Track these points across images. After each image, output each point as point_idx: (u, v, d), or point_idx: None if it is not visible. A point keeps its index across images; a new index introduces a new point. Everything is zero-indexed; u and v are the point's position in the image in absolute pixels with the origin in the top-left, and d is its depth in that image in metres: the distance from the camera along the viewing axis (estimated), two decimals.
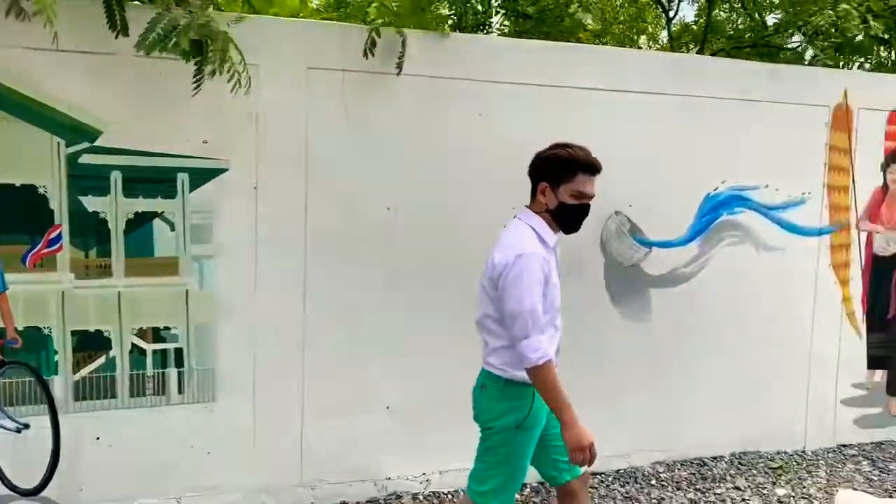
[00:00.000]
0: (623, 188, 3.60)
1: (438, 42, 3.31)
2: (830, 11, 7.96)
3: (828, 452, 4.09)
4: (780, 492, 3.60)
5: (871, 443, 4.21)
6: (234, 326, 3.09)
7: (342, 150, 3.17)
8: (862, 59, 12.53)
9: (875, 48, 12.38)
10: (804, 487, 3.66)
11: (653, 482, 3.64)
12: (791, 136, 3.84)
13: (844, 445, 4.17)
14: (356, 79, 3.16)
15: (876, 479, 3.80)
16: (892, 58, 14.91)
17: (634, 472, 3.73)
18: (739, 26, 12.02)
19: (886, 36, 9.51)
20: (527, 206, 2.29)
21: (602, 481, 3.63)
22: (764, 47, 11.11)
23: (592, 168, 2.21)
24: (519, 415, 2.20)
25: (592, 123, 3.53)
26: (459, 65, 3.33)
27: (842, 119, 3.95)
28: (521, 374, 2.14)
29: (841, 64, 10.04)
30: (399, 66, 3.18)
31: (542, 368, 2.07)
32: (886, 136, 4.07)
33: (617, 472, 3.72)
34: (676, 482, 3.65)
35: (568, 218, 2.25)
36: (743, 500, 3.50)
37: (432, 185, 3.31)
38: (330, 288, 3.19)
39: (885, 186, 4.11)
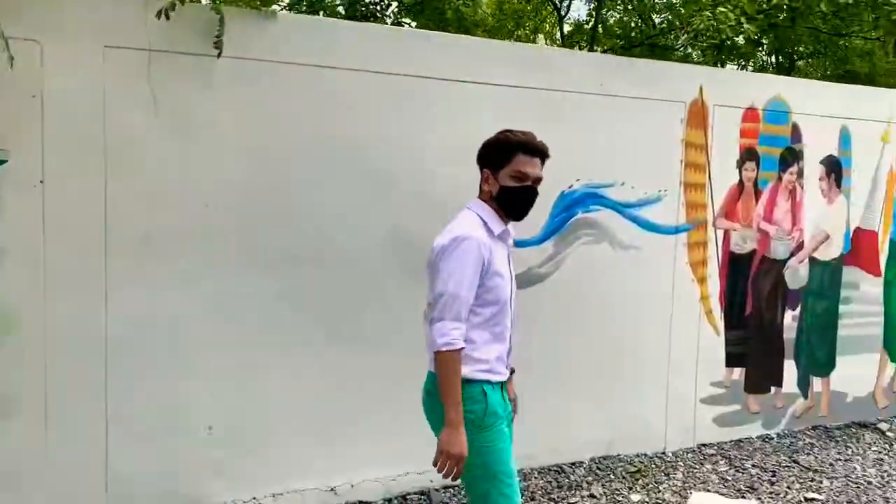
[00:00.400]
0: (474, 185, 3.42)
1: (264, 22, 3.00)
2: (709, 13, 8.17)
3: (687, 453, 4.05)
4: (635, 497, 3.50)
5: (731, 441, 4.21)
6: (19, 339, 2.68)
7: (150, 139, 2.82)
8: (743, 62, 13.06)
9: (755, 51, 12.96)
10: (659, 492, 3.58)
11: None
12: (647, 132, 3.77)
13: (704, 445, 4.14)
14: (166, 60, 2.82)
15: (730, 479, 3.77)
16: (773, 61, 15.61)
17: None
18: (631, 26, 12.34)
19: (762, 39, 9.93)
20: (478, 197, 2.21)
21: (455, 495, 3.43)
22: (652, 48, 11.41)
23: (533, 148, 2.13)
24: (470, 415, 2.03)
25: (438, 115, 3.33)
26: (291, 48, 3.04)
27: (698, 115, 3.91)
28: (466, 370, 2.03)
29: (720, 65, 10.39)
30: (217, 46, 2.86)
31: (446, 356, 1.97)
32: (741, 134, 4.07)
33: None
34: (531, 492, 3.49)
35: (511, 202, 2.16)
36: None
37: (257, 179, 3.01)
38: (136, 294, 2.83)
39: (741, 184, 4.11)
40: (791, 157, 4.24)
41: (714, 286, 4.10)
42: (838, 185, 4.42)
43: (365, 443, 3.30)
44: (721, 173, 4.04)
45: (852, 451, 4.22)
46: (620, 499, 3.49)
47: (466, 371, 2.04)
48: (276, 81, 3.02)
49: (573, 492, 3.53)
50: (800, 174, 4.28)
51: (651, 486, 3.64)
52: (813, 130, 4.27)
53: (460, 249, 2.00)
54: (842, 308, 4.55)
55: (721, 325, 4.15)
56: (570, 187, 3.63)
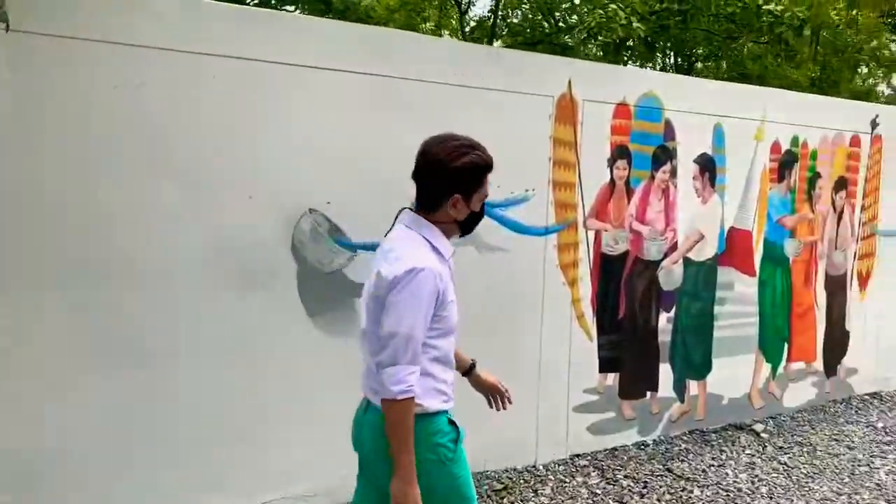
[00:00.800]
0: (319, 182, 3.09)
1: None
2: (601, 11, 8.11)
3: (559, 465, 3.86)
4: None
5: (605, 450, 4.06)
6: None
7: None
8: (640, 63, 13.25)
9: (654, 52, 13.15)
10: None
11: None
12: (513, 127, 3.54)
13: (577, 456, 3.97)
14: None
15: (600, 492, 3.60)
16: (672, 63, 15.92)
17: None
18: (535, 21, 12.28)
19: (656, 40, 10.04)
20: (414, 211, 1.97)
21: None
22: (553, 46, 11.36)
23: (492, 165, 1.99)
24: (444, 449, 1.95)
25: (271, 104, 2.98)
26: (93, 23, 2.62)
27: (566, 111, 3.72)
28: (435, 402, 1.93)
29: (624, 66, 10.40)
30: (2, 19, 2.42)
31: (401, 405, 1.79)
32: (612, 130, 3.90)
33: None
34: None
35: (471, 224, 2.04)
36: None
37: (44, 170, 2.57)
38: None
39: (612, 183, 3.95)
40: (664, 155, 4.12)
41: (586, 289, 3.92)
42: (712, 184, 4.34)
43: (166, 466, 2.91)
44: (591, 172, 3.86)
45: (727, 456, 4.14)
46: None
47: (433, 404, 1.93)
48: (72, 62, 2.59)
49: None
50: (673, 173, 4.17)
51: (517, 503, 3.42)
52: (686, 128, 4.16)
53: (415, 283, 1.80)
54: (717, 309, 4.48)
55: (593, 329, 3.98)
56: None
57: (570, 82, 3.70)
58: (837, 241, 5.05)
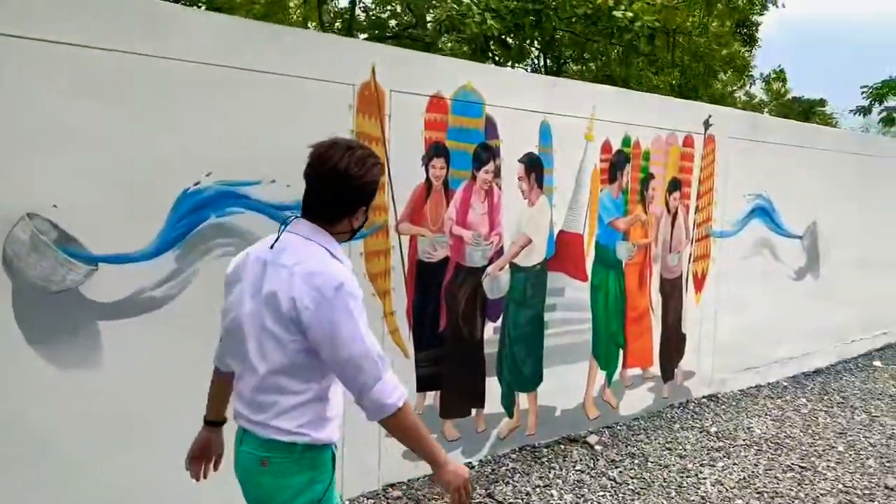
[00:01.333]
0: (41, 180, 2.51)
1: None
2: (455, 6, 7.80)
3: (368, 499, 3.46)
4: None
5: (421, 477, 3.69)
6: None
7: None
8: (505, 61, 13.19)
9: (521, 52, 13.14)
10: None
11: None
12: (306, 118, 3.09)
13: (391, 486, 3.59)
14: None
15: None
16: (542, 64, 16.08)
17: None
18: (395, 13, 11.89)
19: (511, 38, 9.90)
20: (306, 220, 1.82)
21: None
22: (413, 40, 11.04)
23: None
24: (321, 485, 1.82)
25: None
26: None
27: (371, 102, 3.31)
28: (322, 434, 1.78)
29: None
30: None
31: (404, 410, 1.74)
32: (427, 126, 3.54)
33: None
34: None
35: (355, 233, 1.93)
36: None
37: None
38: None
39: (429, 183, 3.59)
40: (486, 153, 3.81)
41: (400, 301, 3.54)
42: (539, 185, 4.08)
43: None
44: (404, 171, 3.48)
45: (555, 474, 3.89)
46: None
47: (324, 435, 1.79)
48: None
49: None
50: (497, 173, 3.87)
51: None
52: (510, 125, 3.88)
53: (346, 297, 1.68)
54: (547, 316, 4.24)
55: (410, 344, 3.61)
56: (196, 185, 2.84)
57: (373, 69, 3.30)
58: (672, 244, 4.98)
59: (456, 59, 4.40)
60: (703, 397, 5.36)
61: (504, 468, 3.91)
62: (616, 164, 4.49)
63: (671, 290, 5.04)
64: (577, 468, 4.00)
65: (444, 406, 3.79)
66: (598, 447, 4.31)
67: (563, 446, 4.29)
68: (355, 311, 1.68)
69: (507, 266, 3.98)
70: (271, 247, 1.78)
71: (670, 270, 5.00)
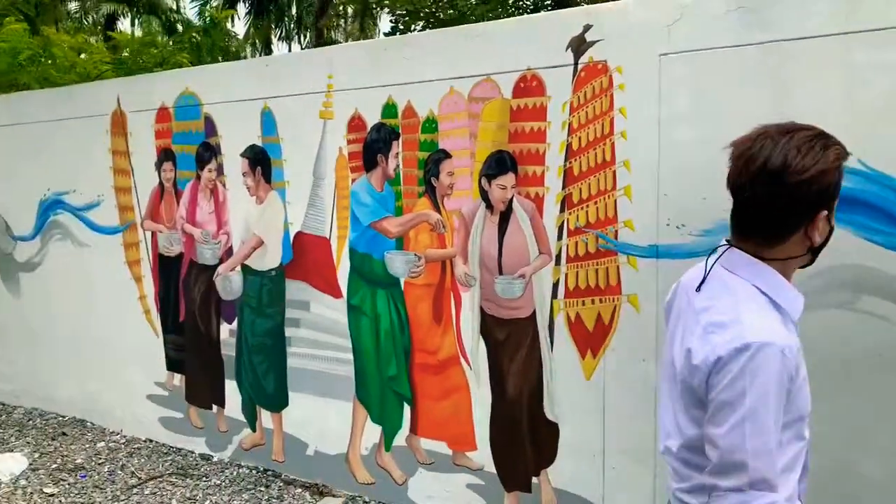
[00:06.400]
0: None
1: None
2: None
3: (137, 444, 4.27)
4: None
5: (178, 447, 4.12)
6: None
7: None
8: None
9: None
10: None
11: None
12: (86, 145, 4.31)
13: (155, 442, 4.23)
14: None
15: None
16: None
17: None
18: None
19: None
20: (738, 247, 1.39)
21: None
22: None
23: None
24: None
25: None
26: None
27: (118, 124, 4.16)
28: None
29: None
30: None
31: None
32: (157, 135, 4.00)
33: None
34: None
35: (824, 245, 1.38)
36: None
37: None
38: None
39: (162, 185, 4.02)
40: (207, 152, 3.81)
41: (149, 287, 4.16)
42: (267, 180, 3.61)
43: None
44: (144, 176, 4.09)
45: None
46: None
47: None
48: None
49: None
50: (220, 171, 3.78)
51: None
52: (228, 119, 3.71)
53: (754, 369, 1.22)
54: (290, 332, 3.63)
55: (159, 326, 4.14)
56: (45, 196, 4.61)
57: (118, 99, 4.13)
58: (502, 261, 2.97)
59: (177, 70, 4.17)
60: None
61: (245, 481, 3.73)
62: (373, 143, 3.24)
63: (509, 339, 3.00)
64: None
65: (188, 391, 4.07)
66: None
67: (305, 492, 3.56)
68: (754, 394, 1.21)
69: (240, 268, 3.77)
70: (699, 286, 1.41)
71: (503, 305, 2.99)
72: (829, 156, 1.29)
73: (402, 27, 8.82)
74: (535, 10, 9.12)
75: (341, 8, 17.27)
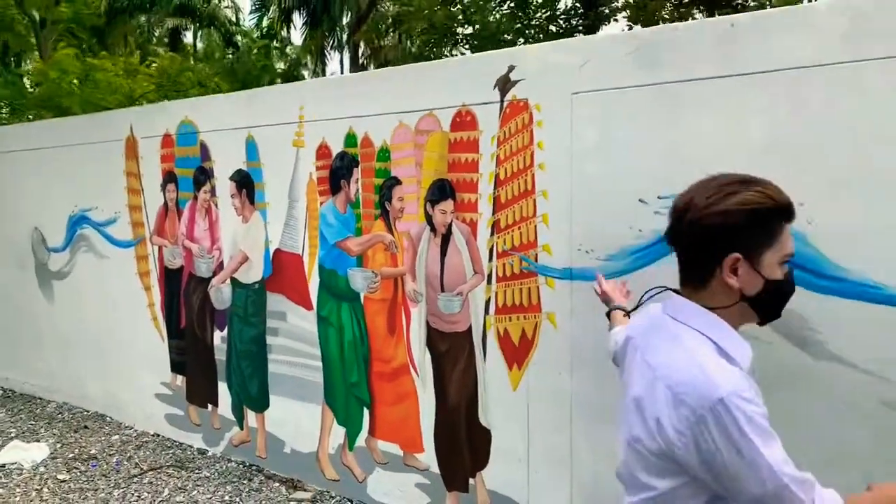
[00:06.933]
0: (34, 212, 5.47)
1: None
2: None
3: (143, 437, 4.72)
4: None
5: (180, 443, 4.54)
6: None
7: None
8: None
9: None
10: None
11: None
12: (105, 168, 4.79)
13: (161, 438, 4.66)
14: None
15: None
16: None
17: None
18: None
19: None
20: (680, 294, 1.43)
21: None
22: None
23: (792, 208, 1.36)
24: None
25: None
26: None
27: (131, 149, 4.62)
28: None
29: None
30: None
31: None
32: (162, 159, 4.43)
33: None
34: None
35: (772, 300, 1.38)
36: None
37: None
38: None
39: (166, 204, 4.45)
40: (202, 175, 4.21)
41: (157, 295, 4.60)
42: (252, 201, 3.98)
43: None
44: (152, 196, 4.53)
45: (240, 502, 3.87)
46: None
47: None
48: None
49: None
50: (213, 192, 4.17)
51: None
52: (220, 145, 4.10)
53: (730, 417, 1.21)
54: (270, 340, 3.98)
55: (164, 331, 4.58)
56: (73, 212, 5.13)
57: (131, 126, 4.59)
58: (444, 279, 3.25)
59: (181, 100, 4.49)
60: None
61: (232, 475, 4.11)
62: (338, 170, 3.57)
63: (450, 351, 3.27)
64: None
65: (187, 391, 4.48)
66: (311, 502, 3.71)
67: (281, 486, 3.92)
68: (750, 431, 1.20)
69: (229, 280, 4.15)
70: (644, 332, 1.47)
71: (445, 320, 3.27)
72: (735, 199, 1.31)
73: (428, 50, 9.11)
74: (548, 24, 9.24)
75: (380, 24, 17.71)
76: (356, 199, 3.53)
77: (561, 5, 10.24)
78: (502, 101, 2.98)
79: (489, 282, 3.11)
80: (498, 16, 9.60)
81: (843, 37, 2.23)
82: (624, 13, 10.05)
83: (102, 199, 4.87)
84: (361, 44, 22.58)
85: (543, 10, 10.05)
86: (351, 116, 3.49)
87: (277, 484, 3.94)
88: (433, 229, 3.26)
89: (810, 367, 2.34)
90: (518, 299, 3.03)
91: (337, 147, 3.57)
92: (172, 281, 4.52)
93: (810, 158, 2.30)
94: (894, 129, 2.17)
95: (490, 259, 3.10)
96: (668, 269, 2.50)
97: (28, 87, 7.53)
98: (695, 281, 1.41)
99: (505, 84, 2.97)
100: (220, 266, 4.21)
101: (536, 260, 2.94)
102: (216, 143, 4.12)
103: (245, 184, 4.00)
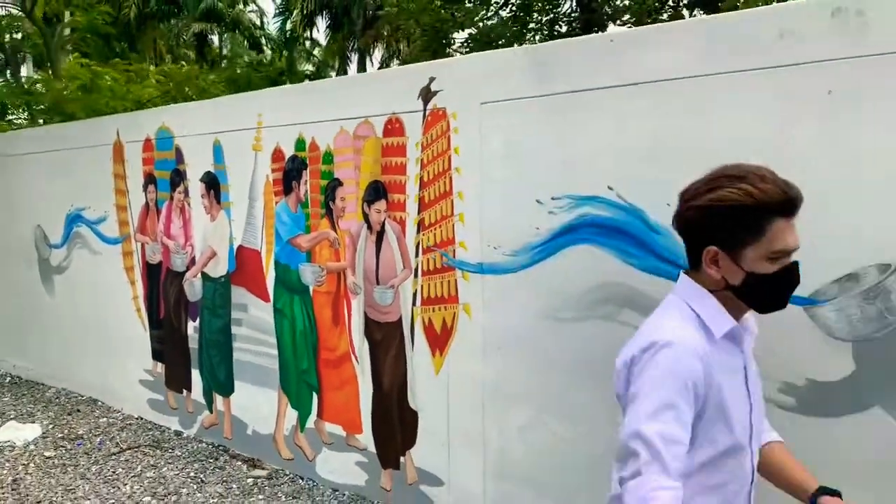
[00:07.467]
0: (36, 212, 5.89)
1: None
2: None
3: (128, 419, 5.09)
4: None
5: (157, 425, 4.89)
6: None
7: None
8: None
9: None
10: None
11: None
12: (97, 170, 5.18)
13: (140, 417, 5.02)
14: None
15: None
16: None
17: None
18: None
19: None
20: (688, 274, 1.50)
21: None
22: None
23: (791, 204, 1.35)
24: None
25: None
26: None
27: (118, 152, 4.98)
28: None
29: None
30: None
31: None
32: (144, 162, 4.79)
33: None
34: None
35: (758, 292, 1.40)
36: None
37: None
38: None
39: (147, 204, 4.80)
40: (177, 177, 4.55)
41: (140, 289, 4.95)
42: (218, 201, 4.31)
43: None
44: (136, 196, 4.89)
45: (222, 485, 4.13)
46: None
47: None
48: None
49: None
50: (186, 193, 4.51)
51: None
52: (192, 149, 4.43)
53: (657, 361, 1.32)
54: (235, 329, 4.30)
55: (146, 321, 4.93)
56: (70, 210, 5.52)
57: (118, 131, 4.96)
58: (379, 273, 3.52)
59: (158, 108, 4.82)
60: None
61: (202, 455, 4.44)
62: (290, 172, 3.87)
63: (384, 339, 3.54)
64: (217, 488, 4.09)
65: (166, 377, 4.83)
66: (267, 479, 4.02)
67: (238, 463, 4.23)
68: (655, 380, 1.30)
69: (200, 274, 4.48)
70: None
71: (380, 310, 3.54)
72: (712, 195, 1.37)
73: (420, 53, 9.39)
74: (552, 28, 9.43)
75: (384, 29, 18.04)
76: (305, 199, 3.83)
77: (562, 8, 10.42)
78: (425, 110, 3.25)
79: (416, 275, 3.38)
80: (494, 20, 9.83)
81: (699, 52, 2.45)
82: (627, 16, 10.21)
83: (94, 198, 5.25)
84: (380, 46, 23.02)
85: (545, 14, 10.24)
86: (301, 123, 3.79)
87: (240, 463, 4.26)
88: (370, 227, 3.54)
89: None
90: (439, 291, 3.29)
91: (289, 151, 3.87)
92: (153, 275, 4.88)
93: (678, 161, 2.52)
94: (741, 134, 2.38)
95: (417, 255, 3.37)
96: (563, 262, 2.79)
97: (42, 92, 8.02)
98: (690, 264, 1.51)
99: (427, 94, 3.23)
100: (193, 261, 4.54)
101: (454, 255, 3.20)
102: (189, 147, 4.46)
103: (212, 185, 4.32)
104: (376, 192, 3.49)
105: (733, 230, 1.36)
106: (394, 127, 3.38)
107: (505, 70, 2.96)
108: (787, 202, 1.34)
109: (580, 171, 2.79)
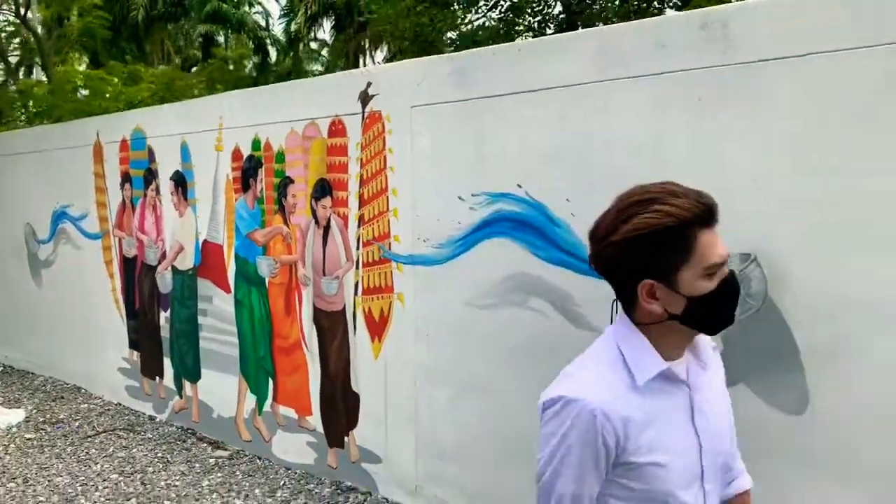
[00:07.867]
0: (34, 210, 6.19)
1: None
2: None
3: (109, 406, 5.37)
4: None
5: (135, 410, 5.17)
6: None
7: None
8: None
9: None
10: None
11: None
12: (80, 169, 5.46)
13: (123, 406, 5.31)
14: None
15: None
16: None
17: None
18: None
19: None
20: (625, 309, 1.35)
21: None
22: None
23: (710, 213, 1.25)
24: None
25: None
26: None
27: (98, 152, 5.27)
28: None
29: None
30: None
31: None
32: (120, 162, 5.06)
33: None
34: None
35: (704, 312, 1.28)
36: None
37: None
38: None
39: (124, 201, 5.08)
40: (150, 176, 4.82)
41: (118, 281, 5.23)
42: (185, 198, 4.57)
43: None
44: (115, 194, 5.17)
45: (186, 464, 4.42)
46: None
47: None
48: None
49: None
50: (157, 190, 4.78)
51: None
52: (162, 150, 4.70)
53: (559, 420, 1.26)
54: (201, 319, 4.56)
55: (124, 313, 5.21)
56: (55, 208, 5.81)
57: (97, 133, 5.24)
58: (325, 265, 3.77)
59: (132, 111, 5.09)
60: (392, 501, 3.53)
61: (172, 438, 4.72)
62: (247, 171, 4.12)
63: (330, 327, 3.79)
64: (196, 468, 4.34)
65: (141, 365, 5.10)
66: (228, 459, 4.28)
67: (205, 445, 4.49)
68: (557, 438, 1.25)
69: (170, 267, 4.75)
70: None
71: (326, 300, 3.79)
72: (629, 225, 1.23)
73: (401, 56, 9.61)
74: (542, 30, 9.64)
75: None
76: (261, 196, 4.08)
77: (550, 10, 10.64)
78: (363, 113, 3.49)
79: (357, 267, 3.62)
80: (481, 23, 10.05)
81: (591, 62, 2.68)
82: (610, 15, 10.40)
83: (77, 196, 5.54)
84: (385, 47, 23.30)
85: (535, 17, 10.46)
86: (256, 124, 4.04)
87: (205, 444, 4.52)
88: (317, 222, 3.79)
89: (574, 335, 2.78)
90: (378, 282, 3.53)
91: (247, 151, 4.12)
92: (130, 268, 5.15)
93: (575, 162, 2.75)
94: (628, 138, 2.61)
95: (358, 248, 3.61)
96: (481, 254, 3.03)
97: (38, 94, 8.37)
98: (624, 306, 1.34)
99: (365, 98, 3.47)
100: (164, 255, 4.81)
101: (390, 248, 3.45)
102: (159, 147, 4.73)
103: (180, 183, 4.59)
104: (322, 189, 3.73)
105: (662, 256, 1.22)
106: (337, 128, 3.63)
107: (431, 76, 3.20)
108: (706, 212, 1.23)
109: (494, 169, 3.02)
